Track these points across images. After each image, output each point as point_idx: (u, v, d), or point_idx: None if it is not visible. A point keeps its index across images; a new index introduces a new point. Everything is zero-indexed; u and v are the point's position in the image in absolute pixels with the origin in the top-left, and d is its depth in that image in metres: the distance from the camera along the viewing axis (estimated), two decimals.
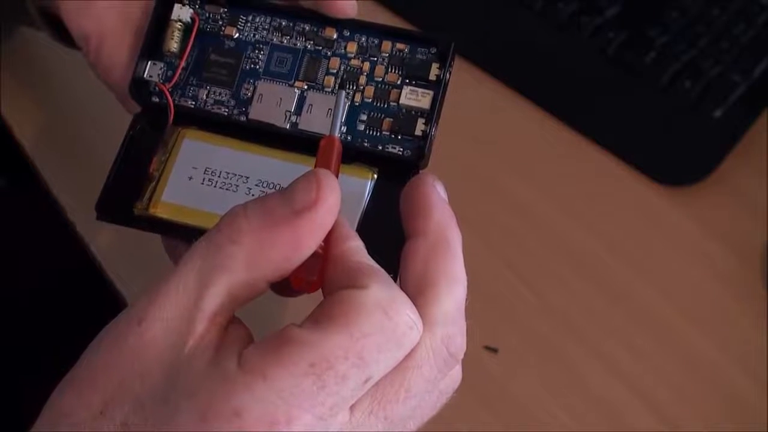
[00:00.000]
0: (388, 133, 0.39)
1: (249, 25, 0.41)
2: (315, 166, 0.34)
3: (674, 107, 0.60)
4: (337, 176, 0.33)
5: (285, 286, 0.33)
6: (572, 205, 0.58)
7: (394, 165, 0.39)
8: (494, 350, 0.54)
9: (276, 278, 0.31)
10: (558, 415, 0.52)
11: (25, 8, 0.48)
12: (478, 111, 0.61)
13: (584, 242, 0.57)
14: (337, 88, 0.40)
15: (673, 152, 0.60)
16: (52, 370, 0.32)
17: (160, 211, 0.39)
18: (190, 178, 0.39)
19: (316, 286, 0.32)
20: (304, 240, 0.31)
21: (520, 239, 0.57)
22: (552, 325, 0.54)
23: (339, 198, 0.32)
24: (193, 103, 0.41)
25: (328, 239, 0.32)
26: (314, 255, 0.32)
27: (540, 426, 0.52)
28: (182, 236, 0.39)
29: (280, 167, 0.39)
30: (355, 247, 0.33)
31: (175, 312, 0.30)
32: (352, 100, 0.40)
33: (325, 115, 0.39)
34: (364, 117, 0.39)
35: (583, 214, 0.58)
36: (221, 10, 0.41)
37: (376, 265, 0.32)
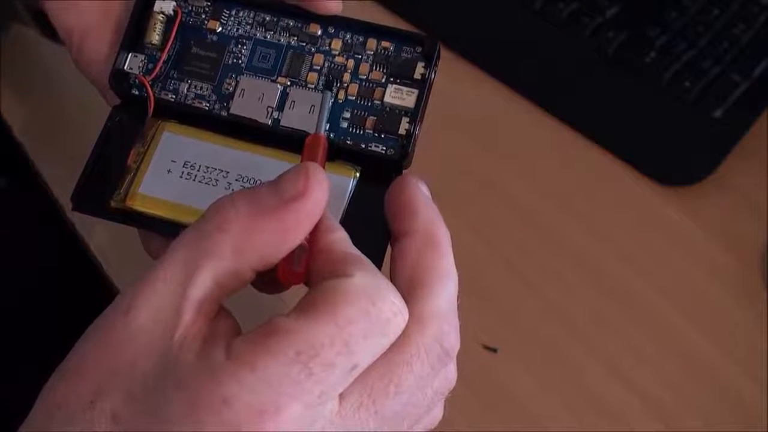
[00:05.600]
0: (371, 132, 0.39)
1: (232, 19, 0.41)
2: (301, 162, 0.34)
3: (674, 107, 0.60)
4: None
5: (270, 282, 0.33)
6: (572, 205, 0.58)
7: (377, 164, 0.38)
8: (494, 350, 0.54)
9: (262, 267, 0.32)
10: (558, 415, 0.52)
11: (12, 4, 0.48)
12: (478, 111, 0.61)
13: (584, 242, 0.57)
14: (321, 86, 0.39)
15: (673, 152, 0.59)
16: (52, 370, 0.32)
17: (137, 204, 0.38)
18: (169, 171, 0.39)
19: (301, 278, 0.32)
20: (292, 229, 0.31)
21: (520, 239, 0.57)
22: (552, 325, 0.54)
23: (327, 190, 0.32)
24: (174, 96, 0.40)
25: (314, 231, 0.32)
26: (300, 247, 0.32)
27: (540, 426, 0.52)
28: (159, 230, 0.39)
29: (261, 163, 0.39)
30: (340, 238, 0.33)
31: (162, 301, 0.30)
32: (336, 98, 0.39)
33: (308, 111, 0.39)
34: (347, 115, 0.39)
35: (583, 214, 0.58)
36: (204, 3, 0.41)
37: (361, 255, 0.32)
